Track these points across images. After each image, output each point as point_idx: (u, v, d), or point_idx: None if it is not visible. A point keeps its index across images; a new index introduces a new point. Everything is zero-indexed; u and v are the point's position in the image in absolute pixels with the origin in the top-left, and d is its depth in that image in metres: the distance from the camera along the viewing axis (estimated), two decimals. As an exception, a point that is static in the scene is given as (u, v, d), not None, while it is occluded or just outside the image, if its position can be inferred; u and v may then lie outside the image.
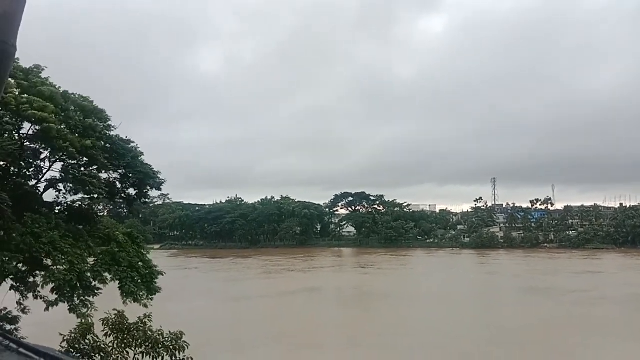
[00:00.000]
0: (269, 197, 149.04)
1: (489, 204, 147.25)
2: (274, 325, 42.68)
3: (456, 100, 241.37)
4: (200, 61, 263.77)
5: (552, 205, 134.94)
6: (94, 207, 19.47)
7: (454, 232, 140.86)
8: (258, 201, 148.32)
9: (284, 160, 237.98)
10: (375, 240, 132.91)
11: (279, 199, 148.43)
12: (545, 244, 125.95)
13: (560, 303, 52.84)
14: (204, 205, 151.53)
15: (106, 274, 15.65)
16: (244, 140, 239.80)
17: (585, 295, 56.55)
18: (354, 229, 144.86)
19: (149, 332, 13.12)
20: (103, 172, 17.54)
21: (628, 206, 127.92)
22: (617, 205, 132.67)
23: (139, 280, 15.74)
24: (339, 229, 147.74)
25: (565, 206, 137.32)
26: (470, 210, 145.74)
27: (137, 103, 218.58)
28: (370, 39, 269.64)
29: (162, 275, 15.30)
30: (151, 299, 16.38)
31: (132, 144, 18.33)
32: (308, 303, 56.59)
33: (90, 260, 15.78)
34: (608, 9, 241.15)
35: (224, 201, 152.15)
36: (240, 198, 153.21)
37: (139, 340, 13.09)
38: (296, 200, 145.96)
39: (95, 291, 15.79)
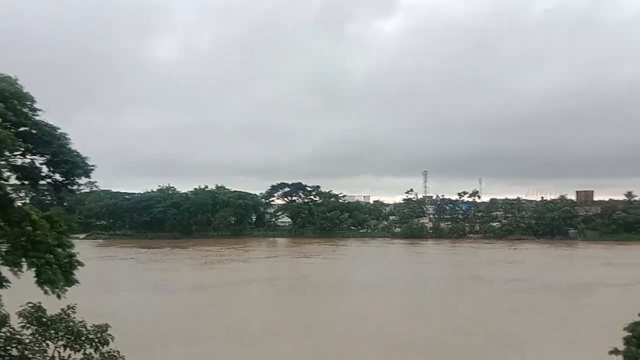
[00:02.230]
0: (202, 187, 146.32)
1: (420, 196, 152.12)
2: (225, 317, 42.29)
3: (402, 98, 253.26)
4: (156, 49, 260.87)
5: (479, 197, 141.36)
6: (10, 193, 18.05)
7: (386, 223, 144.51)
8: (191, 190, 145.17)
9: (229, 150, 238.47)
10: (310, 231, 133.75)
11: (214, 188, 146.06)
12: (471, 235, 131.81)
13: (501, 291, 55.70)
14: (134, 193, 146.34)
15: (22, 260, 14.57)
16: (189, 129, 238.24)
17: (521, 284, 59.65)
18: (289, 219, 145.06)
19: (71, 323, 12.44)
20: (20, 156, 16.29)
21: (548, 200, 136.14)
22: (539, 199, 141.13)
23: (58, 269, 14.77)
24: (274, 219, 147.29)
25: (490, 199, 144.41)
26: (402, 201, 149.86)
27: (86, 88, 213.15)
28: (327, 36, 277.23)
29: (82, 266, 14.46)
30: (65, 290, 15.37)
31: (59, 130, 17.16)
32: (257, 293, 56.44)
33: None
34: (546, 21, 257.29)
35: (155, 190, 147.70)
36: (173, 187, 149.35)
37: (61, 333, 12.39)
38: (231, 190, 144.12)
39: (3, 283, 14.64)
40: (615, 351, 11.80)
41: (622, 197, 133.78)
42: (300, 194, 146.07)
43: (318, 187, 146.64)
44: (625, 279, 60.47)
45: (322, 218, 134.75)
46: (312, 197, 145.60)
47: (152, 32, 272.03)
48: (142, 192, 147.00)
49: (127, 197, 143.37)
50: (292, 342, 34.10)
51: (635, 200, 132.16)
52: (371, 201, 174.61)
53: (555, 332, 36.16)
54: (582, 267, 76.94)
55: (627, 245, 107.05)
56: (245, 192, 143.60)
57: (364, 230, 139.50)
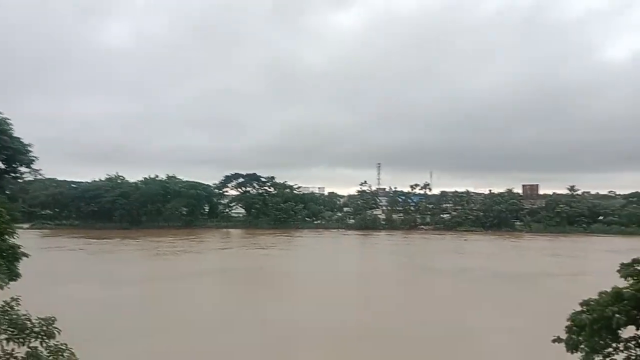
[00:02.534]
0: (152, 176, 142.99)
1: (374, 188, 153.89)
2: (179, 308, 41.28)
3: (357, 90, 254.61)
4: (106, 34, 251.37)
5: (430, 190, 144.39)
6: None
7: (340, 214, 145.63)
8: (141, 180, 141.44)
9: (182, 139, 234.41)
10: (264, 222, 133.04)
11: (165, 177, 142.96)
12: (422, 226, 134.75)
13: (454, 281, 57.10)
14: (81, 182, 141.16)
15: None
16: (141, 117, 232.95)
17: (472, 274, 61.39)
18: (243, 210, 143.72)
19: (14, 316, 11.86)
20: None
21: (496, 193, 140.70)
22: (487, 192, 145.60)
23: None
24: (228, 210, 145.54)
25: (441, 191, 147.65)
26: (356, 193, 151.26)
27: (31, 73, 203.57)
28: (283, 26, 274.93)
29: (27, 257, 13.76)
30: (7, 282, 14.66)
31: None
32: (213, 284, 55.59)
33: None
34: (496, 19, 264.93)
35: (103, 179, 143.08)
36: (122, 176, 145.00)
37: (4, 326, 11.79)
38: (183, 180, 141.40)
39: None
40: (558, 339, 12.23)
41: (565, 191, 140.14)
42: (255, 184, 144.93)
43: (273, 178, 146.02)
44: (569, 269, 63.42)
45: (276, 209, 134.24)
46: (266, 188, 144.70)
47: (102, 17, 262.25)
48: (89, 181, 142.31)
49: (73, 185, 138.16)
50: (247, 334, 33.81)
51: (578, 194, 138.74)
52: (326, 193, 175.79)
53: (506, 320, 37.36)
54: (529, 257, 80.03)
55: (569, 237, 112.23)
56: (197, 182, 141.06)
57: (319, 221, 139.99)
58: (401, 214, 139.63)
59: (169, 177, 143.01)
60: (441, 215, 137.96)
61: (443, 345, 31.50)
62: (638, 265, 11.97)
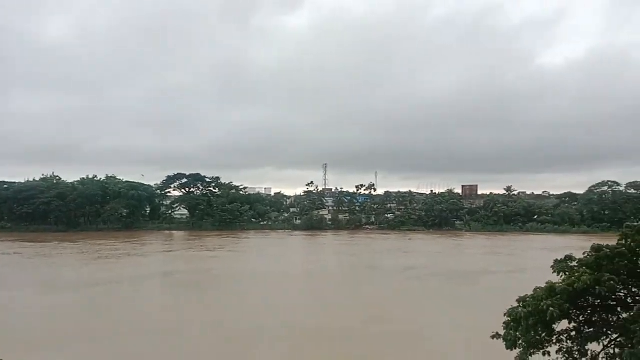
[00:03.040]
0: (90, 176, 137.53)
1: (320, 189, 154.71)
2: (125, 314, 39.76)
3: (306, 92, 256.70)
4: (48, 29, 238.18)
5: (375, 190, 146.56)
6: None
7: (287, 215, 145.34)
8: (78, 180, 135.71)
9: (124, 138, 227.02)
10: (209, 223, 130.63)
11: (104, 178, 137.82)
12: (367, 226, 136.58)
13: (399, 279, 58.05)
14: (14, 183, 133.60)
15: None
16: (84, 115, 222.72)
17: (417, 272, 62.55)
18: (187, 211, 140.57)
19: None
20: None
21: (437, 193, 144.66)
22: (429, 192, 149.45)
23: None
24: (170, 212, 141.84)
25: (385, 192, 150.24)
26: (303, 194, 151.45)
27: None
28: (234, 26, 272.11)
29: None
30: None
31: None
32: (160, 288, 53.88)
33: None
34: (439, 27, 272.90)
35: (38, 179, 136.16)
36: (58, 176, 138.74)
37: None
38: (123, 180, 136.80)
39: None
40: (496, 335, 12.60)
41: (502, 192, 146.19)
42: (199, 185, 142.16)
43: (218, 178, 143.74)
44: (507, 267, 65.87)
45: (222, 210, 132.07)
46: (211, 188, 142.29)
47: (44, 10, 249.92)
48: (23, 181, 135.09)
49: (5, 186, 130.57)
50: (199, 338, 33.03)
51: (514, 195, 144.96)
52: (272, 193, 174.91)
53: (449, 317, 38.32)
54: (470, 255, 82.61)
55: (507, 235, 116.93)
56: (138, 183, 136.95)
57: (265, 222, 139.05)
58: (347, 214, 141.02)
59: (108, 178, 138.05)
60: (385, 215, 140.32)
61: (393, 343, 31.91)
62: (570, 262, 12.52)
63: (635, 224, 12.10)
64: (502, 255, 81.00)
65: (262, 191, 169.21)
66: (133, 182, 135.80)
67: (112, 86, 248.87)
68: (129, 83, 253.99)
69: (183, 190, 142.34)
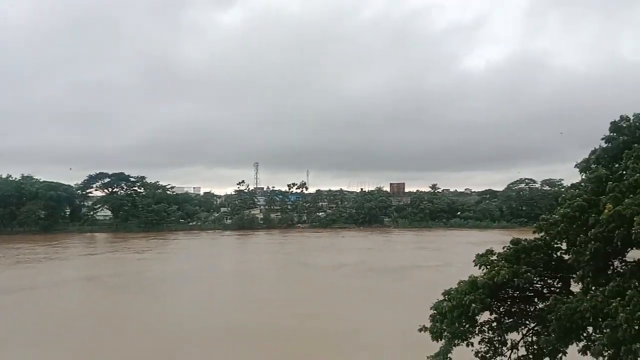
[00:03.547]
0: (4, 176, 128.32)
1: (251, 187, 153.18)
2: (52, 320, 37.44)
3: (237, 89, 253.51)
4: None
5: (307, 189, 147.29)
6: None
7: (217, 215, 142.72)
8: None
9: (43, 135, 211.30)
10: (134, 224, 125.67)
11: (19, 178, 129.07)
12: (299, 224, 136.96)
13: (333, 276, 58.72)
14: None
15: None
16: None
17: (350, 269, 63.52)
18: (110, 212, 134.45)
19: None
20: None
21: (367, 191, 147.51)
22: (359, 190, 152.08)
23: None
24: (92, 213, 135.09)
25: (316, 190, 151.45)
26: (233, 193, 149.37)
27: None
28: (163, 21, 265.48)
29: None
30: None
31: None
32: (87, 292, 51.14)
33: None
34: (370, 28, 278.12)
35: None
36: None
37: None
38: (40, 180, 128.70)
39: None
40: (423, 328, 12.84)
41: (428, 189, 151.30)
42: (123, 185, 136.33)
43: (143, 177, 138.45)
44: (436, 261, 68.31)
45: (147, 211, 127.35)
46: (136, 188, 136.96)
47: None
48: None
49: None
50: (131, 341, 31.73)
51: (439, 192, 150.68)
52: (202, 193, 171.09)
53: (383, 311, 39.16)
54: (400, 251, 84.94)
55: (432, 231, 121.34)
56: (57, 183, 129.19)
57: (194, 222, 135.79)
58: (279, 213, 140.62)
59: (24, 177, 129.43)
60: (317, 214, 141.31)
61: (328, 339, 32.12)
62: (490, 256, 12.98)
63: (550, 217, 12.72)
64: (429, 250, 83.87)
65: (191, 190, 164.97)
66: (51, 182, 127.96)
67: (30, 80, 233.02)
68: (49, 77, 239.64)
69: (106, 190, 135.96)
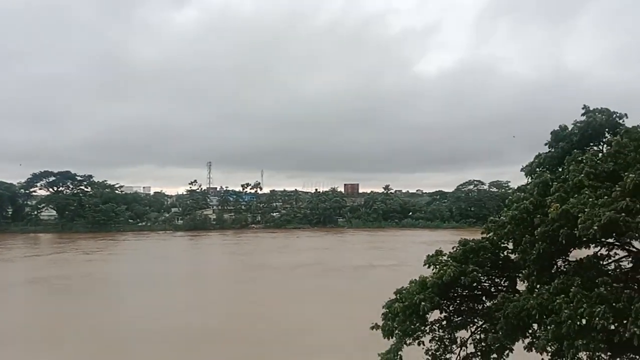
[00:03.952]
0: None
1: (204, 187, 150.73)
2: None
3: (191, 89, 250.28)
4: None
5: (261, 189, 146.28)
6: None
7: (168, 215, 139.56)
8: None
9: None
10: (80, 225, 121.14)
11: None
12: (253, 225, 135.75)
13: (290, 277, 58.64)
14: None
15: None
16: None
17: (308, 269, 63.33)
18: (55, 212, 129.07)
19: None
20: None
21: (321, 191, 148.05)
22: (313, 191, 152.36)
23: None
24: (36, 213, 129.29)
25: (271, 190, 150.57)
26: (185, 193, 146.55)
27: None
28: (116, 18, 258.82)
29: None
30: None
31: None
32: (34, 296, 49.09)
33: None
34: (327, 30, 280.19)
35: None
36: None
37: None
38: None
39: None
40: (375, 326, 12.95)
41: (381, 190, 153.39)
42: (69, 183, 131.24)
43: (90, 176, 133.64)
44: (391, 260, 69.19)
45: (94, 211, 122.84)
46: (83, 187, 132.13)
47: None
48: None
49: None
50: (76, 346, 30.53)
51: (392, 193, 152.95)
52: (152, 192, 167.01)
53: (339, 310, 39.33)
54: (355, 251, 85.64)
55: (385, 231, 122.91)
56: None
57: (144, 223, 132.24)
58: (232, 214, 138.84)
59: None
60: (271, 214, 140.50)
61: (283, 339, 32.06)
62: (440, 256, 13.23)
63: (498, 218, 13.11)
64: (384, 250, 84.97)
65: (141, 190, 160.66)
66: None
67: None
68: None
69: (51, 189, 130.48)
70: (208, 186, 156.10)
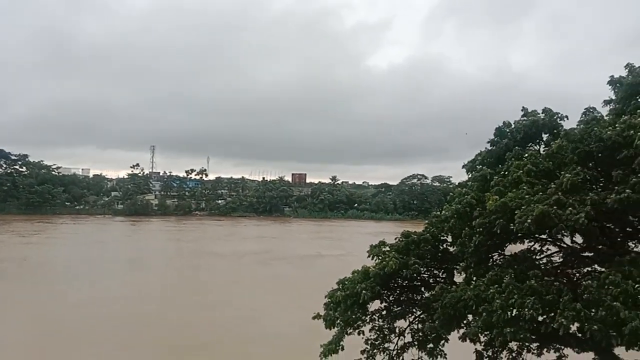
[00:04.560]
0: None
1: (147, 171, 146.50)
2: None
3: (142, 70, 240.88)
4: None
5: (206, 176, 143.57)
6: None
7: (107, 199, 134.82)
8: None
9: None
10: (13, 206, 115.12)
11: None
12: (197, 212, 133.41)
13: (239, 264, 57.90)
14: None
15: None
16: None
17: (256, 257, 62.67)
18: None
19: None
20: None
21: (269, 180, 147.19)
22: (260, 179, 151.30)
23: None
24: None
25: (216, 177, 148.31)
26: (126, 176, 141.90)
27: None
28: None
29: None
30: None
31: None
32: None
33: None
34: (281, 20, 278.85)
35: None
36: None
37: None
38: None
39: None
40: (317, 316, 13.04)
41: (328, 181, 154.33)
42: (2, 163, 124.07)
43: (26, 156, 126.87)
44: (338, 250, 69.73)
45: (29, 192, 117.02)
46: (17, 167, 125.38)
47: None
48: None
49: None
50: (14, 335, 29.08)
51: (338, 184, 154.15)
52: (91, 175, 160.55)
53: (283, 299, 39.27)
54: (303, 240, 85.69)
55: (331, 221, 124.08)
56: None
57: (82, 206, 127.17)
58: (175, 200, 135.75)
59: None
60: (217, 201, 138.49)
61: (221, 328, 31.71)
62: (383, 247, 13.46)
63: (439, 212, 13.49)
64: (332, 240, 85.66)
65: (79, 172, 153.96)
66: None
67: None
68: None
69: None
70: (151, 170, 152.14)
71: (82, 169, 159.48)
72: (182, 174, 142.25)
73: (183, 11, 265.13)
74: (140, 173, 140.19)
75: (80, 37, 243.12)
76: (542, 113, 12.93)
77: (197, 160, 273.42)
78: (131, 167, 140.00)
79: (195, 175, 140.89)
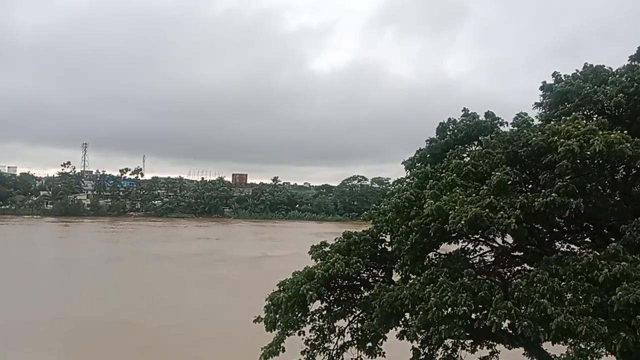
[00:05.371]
0: None
1: (78, 170, 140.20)
2: None
3: (77, 65, 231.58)
4: None
5: (142, 175, 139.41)
6: None
7: (35, 198, 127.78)
8: None
9: None
10: None
11: None
12: (132, 212, 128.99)
13: (183, 266, 56.92)
14: None
15: None
16: None
17: (201, 259, 61.94)
18: None
19: None
20: None
21: (208, 180, 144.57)
22: (200, 179, 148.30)
23: None
24: None
25: (153, 177, 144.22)
26: (57, 175, 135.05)
27: None
28: None
29: None
30: None
31: None
32: None
33: None
34: (223, 20, 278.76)
35: None
36: None
37: None
38: None
39: None
40: (258, 319, 12.90)
41: (270, 182, 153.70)
42: None
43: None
44: (283, 251, 69.45)
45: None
46: None
47: None
48: None
49: None
50: None
51: (280, 185, 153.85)
52: (18, 173, 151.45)
53: (225, 301, 38.95)
54: (247, 241, 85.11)
55: (273, 222, 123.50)
56: None
57: (7, 206, 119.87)
58: (109, 200, 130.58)
59: None
60: (153, 202, 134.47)
61: (175, 330, 31.17)
62: (324, 247, 13.52)
63: (379, 206, 13.74)
64: (276, 241, 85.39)
65: (5, 170, 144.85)
66: None
67: None
68: None
69: None
70: (83, 169, 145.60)
71: (9, 167, 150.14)
72: (117, 173, 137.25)
73: (126, 8, 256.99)
74: (71, 172, 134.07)
75: (16, 30, 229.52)
76: (485, 116, 13.43)
77: (133, 160, 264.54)
78: (62, 165, 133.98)
79: (131, 174, 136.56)
